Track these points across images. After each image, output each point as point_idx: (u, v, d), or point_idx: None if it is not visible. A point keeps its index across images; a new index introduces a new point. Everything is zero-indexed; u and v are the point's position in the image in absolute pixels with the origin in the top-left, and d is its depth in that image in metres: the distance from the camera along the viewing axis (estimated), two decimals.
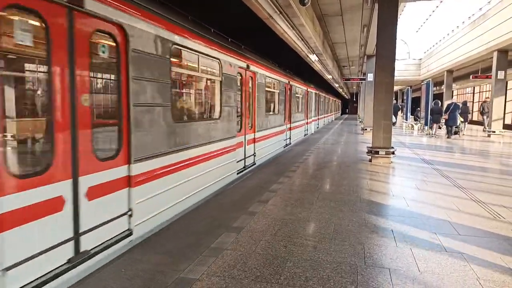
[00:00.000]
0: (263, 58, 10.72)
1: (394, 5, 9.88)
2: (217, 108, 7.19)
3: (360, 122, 30.16)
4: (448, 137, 18.05)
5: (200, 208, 5.70)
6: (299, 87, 17.55)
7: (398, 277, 3.40)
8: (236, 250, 3.98)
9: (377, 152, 9.98)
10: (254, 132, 9.72)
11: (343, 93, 63.03)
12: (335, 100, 48.68)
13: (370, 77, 19.61)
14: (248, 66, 8.90)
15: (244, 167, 8.98)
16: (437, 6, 33.60)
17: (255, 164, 9.84)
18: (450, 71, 27.92)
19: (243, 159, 8.91)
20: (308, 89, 20.67)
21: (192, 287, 3.17)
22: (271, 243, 4.19)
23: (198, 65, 6.32)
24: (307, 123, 20.62)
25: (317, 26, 15.28)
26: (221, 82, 7.16)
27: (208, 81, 7.12)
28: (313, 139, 17.93)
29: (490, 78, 20.19)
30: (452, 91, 31.85)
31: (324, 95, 31.20)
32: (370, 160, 10.14)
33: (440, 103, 19.55)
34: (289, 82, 14.53)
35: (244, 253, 3.90)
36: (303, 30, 13.17)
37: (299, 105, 18.01)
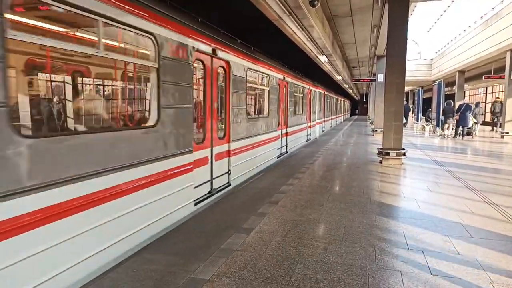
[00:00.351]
0: (242, 44, 8.17)
1: (405, 5, 9.80)
2: (151, 111, 4.67)
3: (370, 123, 29.95)
4: (454, 137, 17.86)
5: (209, 209, 5.72)
6: (299, 85, 15.01)
7: (410, 279, 3.37)
8: (246, 251, 3.99)
9: (387, 154, 9.90)
10: (228, 142, 7.19)
11: (353, 94, 62.68)
12: (344, 101, 48.02)
13: (381, 77, 19.43)
14: (215, 51, 6.29)
15: (210, 192, 6.40)
16: (448, 6, 33.22)
17: (229, 185, 7.28)
18: (462, 72, 27.58)
19: (208, 181, 6.35)
20: (312, 88, 18.24)
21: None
22: (281, 245, 4.18)
23: (99, 38, 3.63)
24: (309, 126, 18.03)
25: (326, 27, 15.23)
26: (157, 69, 4.62)
27: (130, 67, 4.87)
28: (322, 141, 17.86)
29: (503, 78, 19.86)
30: (464, 91, 31.44)
31: (331, 95, 29.46)
32: (381, 162, 10.06)
33: (452, 103, 19.33)
34: (284, 78, 11.89)
35: (254, 254, 3.90)
36: (313, 31, 13.15)
37: (300, 106, 15.58)
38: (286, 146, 12.80)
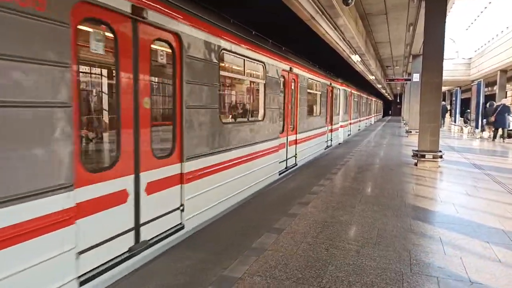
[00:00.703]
0: (211, 12, 5.45)
1: (442, 2, 9.46)
2: None
3: (405, 124, 29.12)
4: (493, 140, 17.02)
5: (240, 209, 5.77)
6: (316, 80, 12.10)
7: (447, 286, 3.25)
8: (277, 251, 3.99)
9: (423, 156, 9.59)
10: (180, 161, 4.62)
11: (386, 94, 61.18)
12: (375, 101, 46.50)
13: (416, 77, 18.90)
14: (140, 12, 3.85)
15: (131, 249, 3.78)
16: (489, 2, 31.72)
17: (182, 227, 4.61)
18: (504, 71, 26.21)
19: (128, 230, 3.76)
20: (334, 85, 15.40)
21: (234, 286, 3.22)
22: (313, 246, 4.15)
23: None
24: (330, 130, 15.18)
25: (360, 26, 14.97)
26: None
27: None
28: (354, 141, 17.56)
29: None
30: (506, 92, 29.90)
31: (360, 94, 26.34)
32: (416, 164, 9.75)
33: (495, 104, 18.49)
34: (291, 69, 9.13)
35: (285, 255, 3.90)
36: (346, 30, 12.96)
37: (317, 106, 12.82)
38: (295, 157, 9.95)
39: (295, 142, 9.93)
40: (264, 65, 7.37)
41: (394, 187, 7.19)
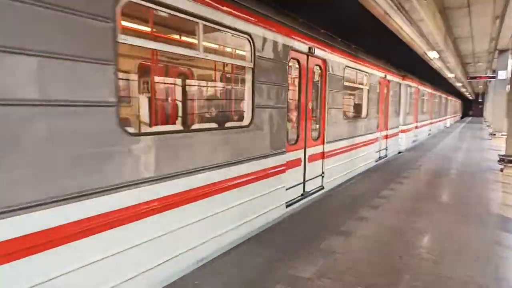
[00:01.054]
0: None
1: None
2: None
3: (488, 126, 26.64)
4: None
5: (308, 210, 5.71)
6: (360, 70, 8.80)
7: None
8: (346, 255, 3.89)
9: (510, 161, 8.69)
10: None
11: (466, 93, 56.47)
12: (452, 100, 42.45)
13: (502, 74, 17.21)
14: None
15: None
16: None
17: None
18: None
19: None
20: (390, 77, 11.79)
21: (303, 286, 3.20)
22: (385, 252, 3.98)
23: None
24: (385, 137, 11.52)
25: (438, 21, 13.99)
26: None
27: None
28: (426, 145, 16.47)
29: None
30: None
31: (431, 91, 22.05)
32: (502, 170, 8.87)
33: None
34: (311, 50, 6.09)
35: (355, 259, 3.79)
36: (423, 25, 12.19)
37: (362, 105, 9.63)
38: (322, 177, 6.87)
39: (322, 156, 6.90)
40: (251, 38, 4.52)
41: (476, 194, 6.62)
